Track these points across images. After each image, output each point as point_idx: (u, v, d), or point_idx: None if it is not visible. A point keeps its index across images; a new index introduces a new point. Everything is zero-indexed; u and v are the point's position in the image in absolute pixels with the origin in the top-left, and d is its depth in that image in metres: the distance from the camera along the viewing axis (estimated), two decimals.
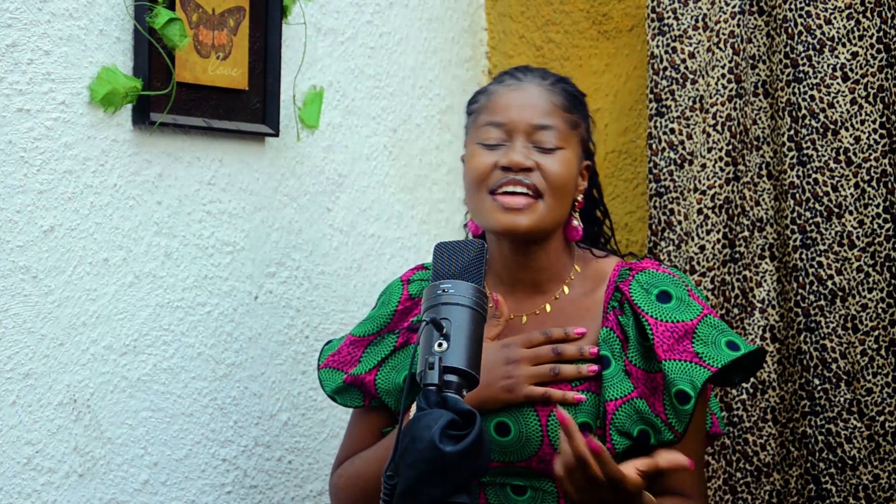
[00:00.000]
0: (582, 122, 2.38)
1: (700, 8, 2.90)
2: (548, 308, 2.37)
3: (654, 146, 2.94)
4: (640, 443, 2.25)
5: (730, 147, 2.89)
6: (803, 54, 2.78)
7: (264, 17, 2.72)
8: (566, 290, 2.38)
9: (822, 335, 2.78)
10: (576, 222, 2.38)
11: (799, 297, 2.79)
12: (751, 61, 2.87)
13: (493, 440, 2.29)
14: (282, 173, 2.82)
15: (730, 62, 2.89)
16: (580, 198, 2.39)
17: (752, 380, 2.83)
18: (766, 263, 2.85)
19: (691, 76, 2.91)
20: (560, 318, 2.36)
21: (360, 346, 2.44)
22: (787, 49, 2.80)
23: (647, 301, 2.30)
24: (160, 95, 2.52)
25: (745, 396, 2.84)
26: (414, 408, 1.95)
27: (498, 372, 2.29)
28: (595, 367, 2.28)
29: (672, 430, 2.24)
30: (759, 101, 2.87)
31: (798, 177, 2.80)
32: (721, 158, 2.89)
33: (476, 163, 2.33)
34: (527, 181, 2.29)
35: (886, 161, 2.75)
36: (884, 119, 2.75)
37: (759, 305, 2.84)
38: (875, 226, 2.75)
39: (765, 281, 2.85)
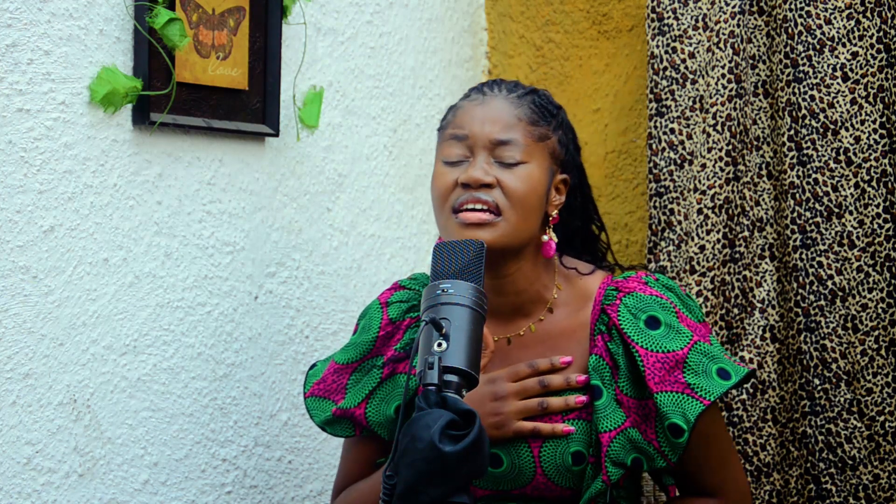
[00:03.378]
0: (553, 133, 2.31)
1: (700, 8, 2.90)
2: (532, 328, 2.34)
3: (654, 146, 2.94)
4: (633, 470, 2.24)
5: (730, 147, 2.89)
6: (803, 54, 2.78)
7: (264, 17, 2.72)
8: (551, 310, 2.35)
9: (822, 335, 2.78)
10: (546, 237, 2.32)
11: (799, 297, 2.79)
12: (751, 61, 2.87)
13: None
14: (282, 173, 2.82)
15: (730, 62, 2.89)
16: (555, 213, 2.32)
17: (751, 380, 2.82)
18: (766, 263, 2.85)
19: (691, 76, 2.91)
20: (545, 340, 2.32)
21: (344, 374, 2.40)
22: (787, 49, 2.80)
23: (636, 328, 2.26)
24: (160, 95, 2.52)
25: (745, 396, 2.84)
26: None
27: (486, 408, 2.25)
28: (583, 399, 2.26)
29: (665, 458, 2.22)
30: (759, 101, 2.87)
31: (798, 177, 2.80)
32: (721, 158, 2.89)
33: (439, 181, 2.29)
34: (487, 198, 2.24)
35: (886, 161, 2.75)
36: (884, 119, 2.75)
37: (759, 305, 2.84)
38: (875, 226, 2.75)
39: (765, 281, 2.85)
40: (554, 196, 2.33)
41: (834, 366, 2.77)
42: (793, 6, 2.79)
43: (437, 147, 2.35)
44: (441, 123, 2.37)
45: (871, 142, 2.75)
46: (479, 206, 2.24)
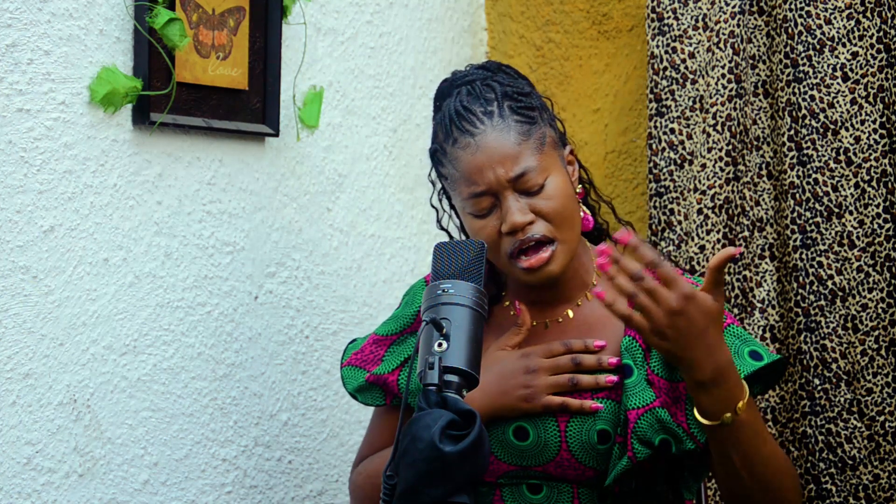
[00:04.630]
0: (543, 124, 2.30)
1: (700, 8, 2.91)
2: (570, 314, 2.36)
3: (654, 146, 2.94)
4: (661, 452, 2.24)
5: (730, 147, 2.89)
6: (803, 54, 2.78)
7: (264, 17, 2.72)
8: (588, 296, 2.36)
9: (822, 335, 2.78)
10: (581, 212, 2.34)
11: (799, 297, 2.79)
12: (751, 61, 2.87)
13: (512, 444, 2.28)
14: (282, 173, 2.82)
15: (730, 62, 2.89)
16: (579, 188, 2.34)
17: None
18: (766, 263, 2.85)
19: (691, 76, 2.91)
20: (582, 326, 2.34)
21: (383, 345, 2.44)
22: (787, 49, 2.80)
23: None
24: (160, 95, 2.53)
25: None
26: None
27: (516, 381, 2.27)
28: (613, 378, 2.27)
29: (694, 439, 2.22)
30: (759, 101, 2.87)
31: (798, 177, 2.80)
32: (721, 158, 2.89)
33: (481, 235, 2.27)
34: (535, 235, 2.24)
35: (886, 161, 2.75)
36: (884, 119, 2.75)
37: (759, 305, 2.84)
38: (875, 226, 2.75)
39: (765, 281, 2.85)
40: (573, 174, 2.33)
41: (834, 366, 2.77)
42: (793, 6, 2.79)
43: (454, 196, 2.32)
44: (439, 168, 2.34)
45: (871, 142, 2.75)
46: (532, 245, 2.25)
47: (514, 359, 2.29)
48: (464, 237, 2.45)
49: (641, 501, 2.29)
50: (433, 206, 2.46)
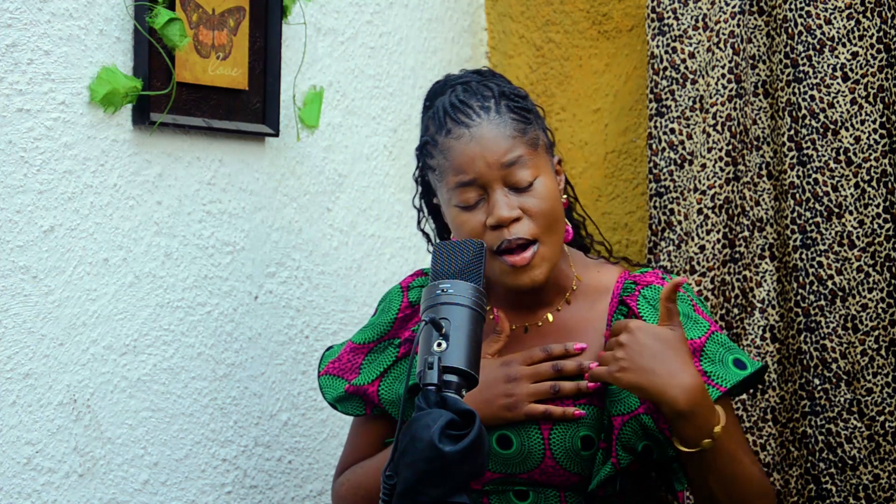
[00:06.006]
0: (537, 127, 2.29)
1: (700, 8, 2.91)
2: (550, 318, 2.35)
3: (654, 146, 2.94)
4: (642, 458, 2.24)
5: (730, 147, 2.89)
6: (803, 54, 2.78)
7: (264, 17, 2.72)
8: (568, 300, 2.36)
9: (822, 335, 2.78)
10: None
11: (799, 297, 2.79)
12: (751, 61, 2.87)
13: (496, 452, 2.28)
14: (282, 173, 2.82)
15: (730, 62, 2.89)
16: (563, 198, 2.33)
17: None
18: (766, 263, 2.86)
19: (691, 76, 2.91)
20: (562, 330, 2.33)
21: (360, 354, 2.43)
22: (787, 49, 2.80)
23: (655, 318, 2.27)
24: (160, 95, 2.53)
25: (744, 396, 2.84)
26: None
27: (498, 390, 2.27)
28: (595, 384, 2.27)
29: (675, 446, 2.23)
30: (759, 101, 2.87)
31: (798, 177, 2.80)
32: (721, 158, 2.89)
33: (465, 229, 2.26)
34: (521, 233, 2.23)
35: (886, 161, 2.75)
36: (884, 119, 2.75)
37: (759, 305, 2.84)
38: (875, 226, 2.75)
39: (765, 281, 2.85)
40: (559, 183, 2.33)
41: (834, 366, 2.77)
42: (793, 6, 2.79)
43: (440, 188, 2.30)
44: (428, 161, 2.32)
45: (871, 142, 2.75)
46: (517, 245, 2.23)
47: (495, 367, 2.28)
48: (438, 241, 2.43)
49: (628, 501, 2.29)
50: (415, 207, 2.44)
